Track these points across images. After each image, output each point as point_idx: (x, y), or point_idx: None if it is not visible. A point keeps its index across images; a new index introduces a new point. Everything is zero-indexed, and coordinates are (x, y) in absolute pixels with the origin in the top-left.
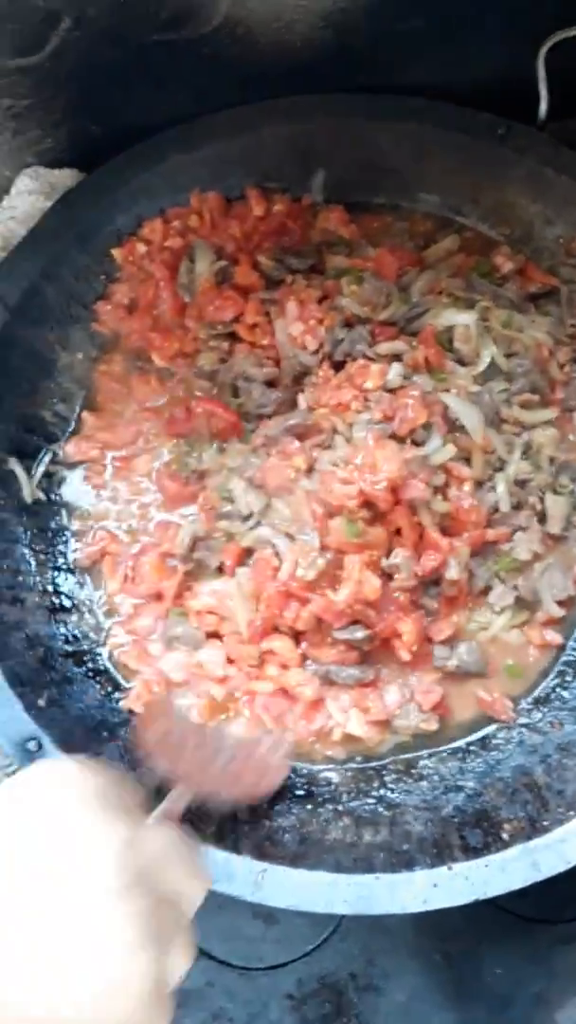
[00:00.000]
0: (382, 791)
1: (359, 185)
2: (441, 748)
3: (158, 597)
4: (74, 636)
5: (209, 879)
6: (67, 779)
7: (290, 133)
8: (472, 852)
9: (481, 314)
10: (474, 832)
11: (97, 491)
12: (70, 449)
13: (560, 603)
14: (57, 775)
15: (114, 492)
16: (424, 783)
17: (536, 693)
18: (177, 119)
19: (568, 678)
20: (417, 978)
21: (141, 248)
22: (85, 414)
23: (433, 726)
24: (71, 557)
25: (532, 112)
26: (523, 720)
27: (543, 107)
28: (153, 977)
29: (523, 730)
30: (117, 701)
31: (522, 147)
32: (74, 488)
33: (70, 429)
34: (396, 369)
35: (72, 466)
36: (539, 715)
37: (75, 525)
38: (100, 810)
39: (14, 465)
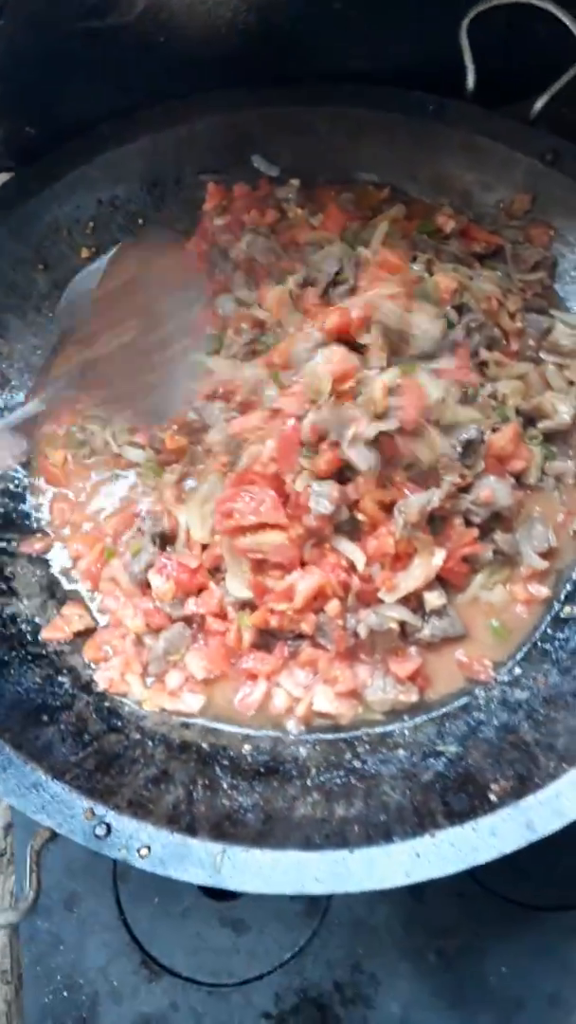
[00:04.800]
0: (355, 763)
1: (298, 171)
2: (419, 717)
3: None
4: (11, 619)
5: None
6: None
7: (224, 124)
8: (457, 818)
9: (425, 267)
10: (458, 797)
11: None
12: None
13: (543, 555)
14: None
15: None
16: (400, 751)
17: (524, 651)
18: (112, 114)
19: (551, 631)
20: (411, 984)
21: None
22: None
23: (412, 697)
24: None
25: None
26: (504, 678)
27: (470, 79)
28: None
29: (505, 688)
30: (59, 685)
31: (454, 120)
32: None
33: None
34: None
35: None
36: (520, 671)
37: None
38: None
39: None
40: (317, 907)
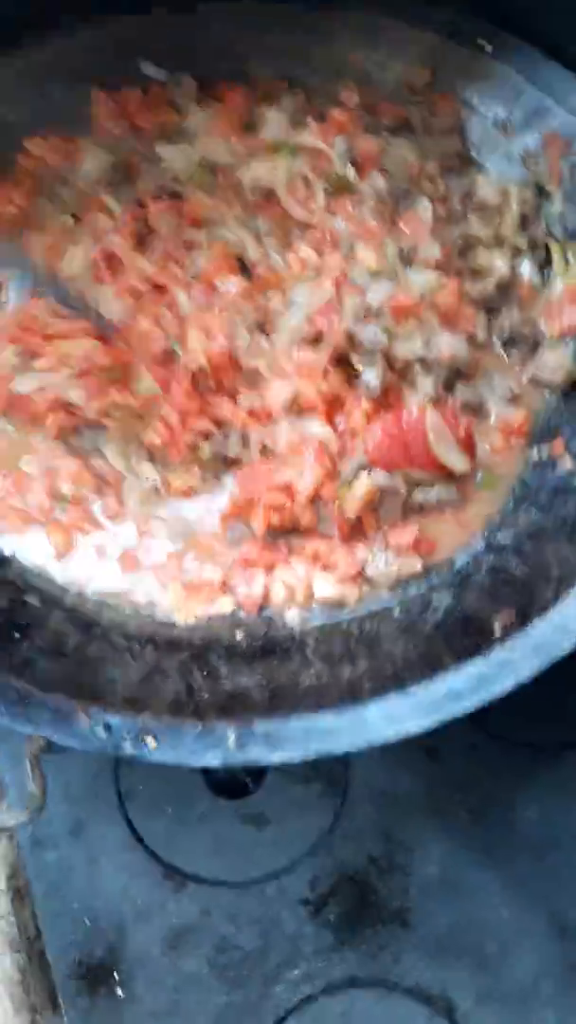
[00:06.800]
0: (351, 628)
1: (189, 73)
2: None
3: None
4: None
5: None
6: None
7: (107, 31)
8: (467, 654)
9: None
10: (463, 639)
11: None
12: None
13: (510, 401)
14: None
15: None
16: (395, 610)
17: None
18: None
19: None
20: (444, 844)
21: None
22: None
23: (416, 566)
24: None
25: None
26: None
27: None
28: None
29: (487, 531)
30: (26, 605)
31: (346, 1)
32: None
33: None
34: None
35: None
36: (499, 516)
37: None
38: None
39: None
40: (336, 787)
